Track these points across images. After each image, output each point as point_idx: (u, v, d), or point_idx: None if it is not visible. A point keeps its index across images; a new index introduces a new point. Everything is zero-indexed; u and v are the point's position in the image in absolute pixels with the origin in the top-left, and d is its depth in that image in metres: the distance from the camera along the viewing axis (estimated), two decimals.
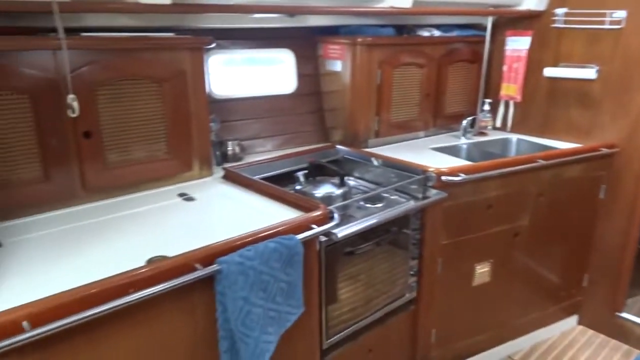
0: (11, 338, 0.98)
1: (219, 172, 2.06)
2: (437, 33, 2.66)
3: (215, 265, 1.26)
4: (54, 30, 1.58)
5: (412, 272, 2.13)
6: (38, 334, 1.01)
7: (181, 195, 1.81)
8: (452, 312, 2.31)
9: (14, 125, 1.50)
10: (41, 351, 1.08)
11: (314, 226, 1.51)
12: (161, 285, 1.17)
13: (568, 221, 2.56)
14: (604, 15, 2.44)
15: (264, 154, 2.38)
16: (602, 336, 2.79)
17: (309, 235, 1.47)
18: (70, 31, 1.56)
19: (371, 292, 1.96)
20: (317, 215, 1.54)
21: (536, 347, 2.70)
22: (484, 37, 2.82)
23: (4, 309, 1.03)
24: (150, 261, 1.28)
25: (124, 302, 1.12)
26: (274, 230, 1.42)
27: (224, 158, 2.20)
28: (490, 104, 2.89)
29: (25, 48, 1.48)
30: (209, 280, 1.29)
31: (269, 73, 2.43)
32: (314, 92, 2.57)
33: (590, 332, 2.83)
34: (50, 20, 1.56)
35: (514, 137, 2.85)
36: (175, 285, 1.19)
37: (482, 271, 2.32)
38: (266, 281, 1.34)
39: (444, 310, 2.27)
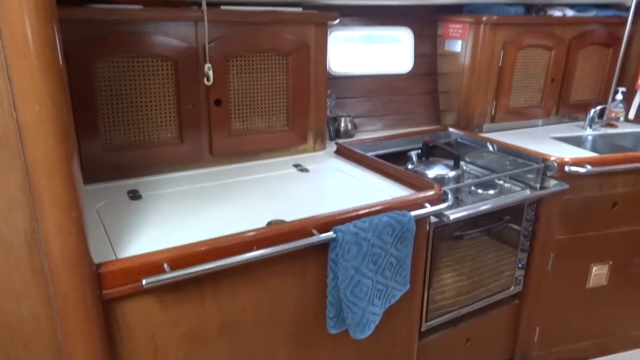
0: (155, 276, 1.10)
1: (331, 147, 2.11)
2: (570, 13, 2.46)
3: (331, 233, 1.31)
4: (194, 3, 1.71)
5: (520, 265, 2.04)
6: (176, 276, 1.13)
7: (296, 165, 1.89)
8: (560, 313, 2.19)
9: (160, 89, 1.66)
10: (174, 291, 1.21)
11: (426, 205, 1.50)
12: (281, 246, 1.24)
13: None
14: None
15: (374, 132, 2.39)
16: None
17: (422, 214, 1.47)
18: (210, 5, 1.67)
19: (475, 280, 1.92)
20: (431, 195, 1.53)
21: None
22: (625, 18, 2.56)
23: (147, 251, 1.16)
24: (270, 223, 1.37)
25: (248, 257, 1.21)
26: (389, 205, 1.44)
27: (337, 134, 2.25)
28: (623, 93, 2.64)
29: (172, 18, 1.61)
30: (323, 247, 1.35)
31: (385, 52, 2.42)
32: (429, 73, 2.51)
33: None
34: None
35: None
36: (293, 247, 1.26)
37: (599, 273, 2.16)
38: (377, 254, 1.37)
39: (552, 309, 2.16)
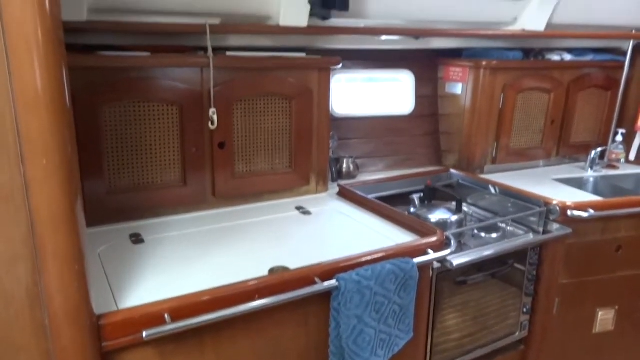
0: (155, 328, 1.09)
1: (333, 188, 2.12)
2: (568, 57, 2.51)
3: (333, 281, 1.30)
4: (200, 48, 1.76)
5: (525, 310, 2.01)
6: (176, 328, 1.11)
7: (298, 208, 1.89)
8: (566, 359, 2.14)
9: (165, 133, 1.68)
10: (175, 342, 1.19)
11: (429, 251, 1.49)
12: (284, 295, 1.23)
13: None
14: None
15: (376, 173, 2.40)
16: None
17: (425, 261, 1.46)
18: (215, 50, 1.71)
19: (480, 325, 1.89)
20: (434, 241, 1.53)
21: None
22: (622, 62, 2.61)
23: (149, 301, 1.15)
24: (272, 271, 1.36)
25: (249, 308, 1.20)
26: (391, 252, 1.44)
27: (339, 175, 2.26)
28: (623, 134, 2.66)
29: (180, 65, 1.65)
30: (325, 295, 1.33)
31: (387, 93, 2.46)
32: (431, 114, 2.55)
33: None
34: (198, 40, 1.74)
35: None
36: (296, 296, 1.24)
37: (605, 318, 2.13)
38: (380, 302, 1.36)
39: (558, 355, 2.11)
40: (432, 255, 1.48)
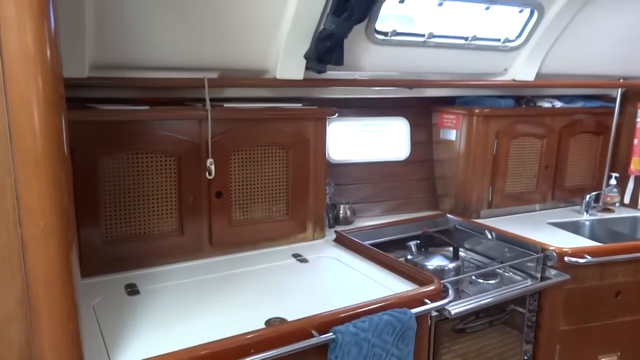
0: None
1: (330, 235, 2.12)
2: (558, 104, 2.57)
3: (330, 334, 1.28)
4: (198, 100, 1.80)
5: (525, 358, 1.98)
6: None
7: (295, 255, 1.89)
8: None
9: (162, 183, 1.70)
10: None
11: (427, 301, 1.48)
12: (280, 349, 1.21)
13: None
14: None
15: (373, 218, 2.41)
16: None
17: (423, 311, 1.45)
18: (213, 101, 1.76)
19: None
20: (431, 290, 1.52)
21: None
22: (611, 108, 2.67)
23: (143, 357, 1.13)
24: (269, 322, 1.35)
25: None
26: (389, 302, 1.43)
27: (336, 220, 2.27)
28: (617, 178, 2.69)
29: (178, 117, 1.69)
30: (322, 348, 1.31)
31: (383, 139, 2.50)
32: (426, 160, 2.58)
33: None
34: (196, 92, 1.79)
35: None
36: (292, 350, 1.23)
37: None
38: (378, 354, 1.34)
39: None
40: (429, 305, 1.47)
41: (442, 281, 1.60)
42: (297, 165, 1.96)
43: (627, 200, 2.74)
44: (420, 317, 1.48)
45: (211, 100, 1.72)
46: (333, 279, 1.68)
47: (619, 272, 2.00)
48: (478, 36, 2.04)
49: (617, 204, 2.68)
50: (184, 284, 1.61)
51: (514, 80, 2.23)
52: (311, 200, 2.02)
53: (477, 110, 2.33)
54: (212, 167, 1.74)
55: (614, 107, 2.67)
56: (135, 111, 1.62)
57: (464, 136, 2.39)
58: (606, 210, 2.65)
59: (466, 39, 2.04)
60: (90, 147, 1.56)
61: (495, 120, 2.36)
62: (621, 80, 2.54)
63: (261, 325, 1.33)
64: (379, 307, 1.40)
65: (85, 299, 1.44)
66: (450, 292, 1.55)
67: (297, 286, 1.61)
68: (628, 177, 2.72)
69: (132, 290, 1.55)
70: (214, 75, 1.76)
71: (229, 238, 1.86)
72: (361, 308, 1.38)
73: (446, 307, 1.56)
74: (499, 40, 2.11)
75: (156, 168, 1.69)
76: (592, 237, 2.40)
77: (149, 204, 1.70)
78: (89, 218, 1.59)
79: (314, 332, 1.29)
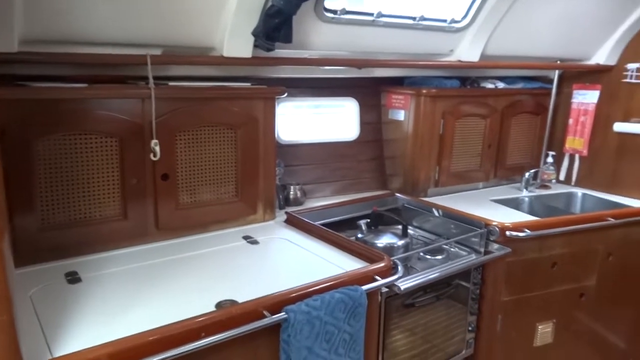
0: None
1: (281, 216, 2.11)
2: (501, 85, 2.66)
3: (282, 314, 1.28)
4: (140, 78, 1.72)
5: (470, 328, 2.07)
6: None
7: (246, 238, 1.87)
8: None
9: (103, 166, 1.62)
10: None
11: (377, 278, 1.51)
12: (232, 331, 1.20)
13: (638, 283, 2.42)
14: None
15: (323, 198, 2.42)
16: None
17: (373, 287, 1.48)
18: (157, 79, 1.69)
19: (429, 346, 1.92)
20: (381, 267, 1.55)
21: None
22: (549, 89, 2.79)
23: (86, 346, 1.09)
24: (219, 305, 1.33)
25: (196, 346, 1.15)
26: (340, 280, 1.44)
27: (286, 202, 2.26)
28: (554, 156, 2.84)
29: (119, 96, 1.61)
30: (274, 328, 1.31)
31: (332, 120, 2.50)
32: (375, 140, 2.61)
33: None
34: (138, 69, 1.71)
35: (579, 191, 2.77)
36: (244, 332, 1.22)
37: (545, 331, 2.22)
38: (330, 332, 1.35)
39: None
40: (379, 281, 1.50)
41: (391, 258, 1.63)
42: (246, 145, 1.92)
43: (562, 177, 2.89)
44: (370, 294, 1.50)
45: (155, 78, 1.64)
46: (284, 260, 1.68)
47: (555, 244, 2.11)
48: (426, 16, 2.06)
49: (554, 181, 2.83)
50: (129, 269, 1.56)
51: (459, 61, 2.28)
52: (261, 181, 2.00)
53: (424, 91, 2.37)
54: (157, 149, 1.68)
55: (552, 88, 2.79)
56: (73, 89, 1.52)
57: (412, 116, 2.42)
58: (544, 186, 2.79)
59: (414, 19, 2.06)
60: (24, 127, 1.46)
61: (442, 100, 2.41)
62: (558, 62, 2.65)
63: (211, 308, 1.30)
64: (330, 285, 1.41)
65: (21, 289, 1.36)
66: (400, 268, 1.59)
67: (248, 268, 1.60)
68: (563, 155, 2.87)
69: (73, 278, 1.48)
70: (157, 52, 1.69)
71: (176, 221, 1.81)
72: (313, 287, 1.38)
73: (396, 283, 1.59)
74: (445, 21, 2.14)
75: (96, 150, 1.61)
76: (531, 212, 2.53)
77: (90, 188, 1.62)
78: (23, 203, 1.49)
79: (265, 313, 1.28)
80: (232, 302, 1.34)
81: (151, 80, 1.62)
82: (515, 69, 2.66)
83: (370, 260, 1.62)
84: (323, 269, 1.57)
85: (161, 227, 1.78)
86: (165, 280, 1.48)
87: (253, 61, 1.82)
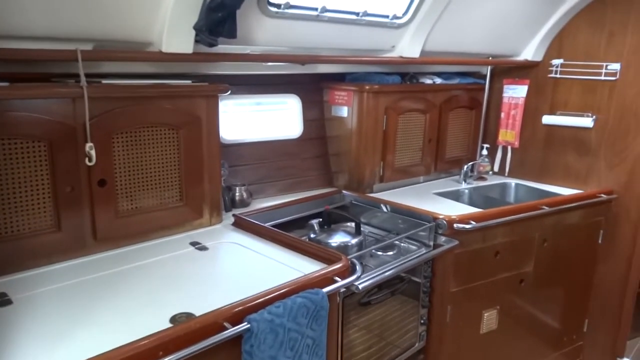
0: None
1: (228, 219, 2.02)
2: (438, 80, 2.72)
3: (245, 324, 1.21)
4: (70, 76, 1.57)
5: (422, 321, 2.10)
6: None
7: (193, 244, 1.77)
8: None
9: (31, 173, 1.46)
10: None
11: (337, 279, 1.48)
12: (192, 347, 1.12)
13: (569, 267, 2.58)
14: (599, 67, 2.54)
15: (270, 198, 2.36)
16: None
17: (334, 289, 1.45)
18: (89, 77, 1.55)
19: (383, 344, 1.92)
20: (340, 267, 1.52)
21: None
22: (482, 84, 2.90)
23: None
24: (174, 320, 1.24)
25: None
26: (300, 284, 1.39)
27: (232, 203, 2.17)
28: (488, 149, 2.95)
29: (47, 96, 1.45)
30: (235, 339, 1.24)
31: (275, 118, 2.44)
32: (319, 137, 2.58)
33: None
34: (67, 66, 1.56)
35: (512, 182, 2.91)
36: (206, 346, 1.14)
37: (490, 318, 2.31)
38: (294, 338, 1.30)
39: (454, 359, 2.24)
40: (340, 282, 1.47)
41: (348, 257, 1.60)
42: (189, 146, 1.82)
43: (496, 168, 3.02)
44: (330, 296, 1.47)
45: (87, 76, 1.50)
46: (238, 265, 1.60)
47: (497, 234, 2.20)
48: (369, 12, 2.06)
49: (491, 173, 2.95)
50: (67, 287, 1.42)
51: (401, 57, 2.30)
52: (206, 183, 1.90)
53: (367, 87, 2.37)
54: (93, 152, 1.54)
55: (485, 84, 2.90)
56: None
57: (356, 112, 2.42)
58: (480, 178, 2.90)
59: (357, 14, 2.04)
60: None
61: (384, 96, 2.42)
62: (490, 58, 2.76)
63: (166, 324, 1.21)
64: (290, 289, 1.36)
65: None
66: (358, 267, 1.57)
67: (200, 276, 1.51)
68: (497, 147, 3.00)
69: (1, 300, 1.32)
70: (89, 47, 1.54)
71: (117, 230, 1.68)
72: (273, 293, 1.33)
73: (354, 283, 1.57)
74: (387, 17, 2.14)
75: (22, 156, 1.45)
76: (470, 203, 2.62)
77: (16, 198, 1.45)
78: None
79: (226, 324, 1.21)
80: (188, 316, 1.25)
81: (83, 78, 1.48)
82: (452, 64, 2.74)
83: (328, 261, 1.58)
84: (279, 273, 1.52)
85: (100, 238, 1.64)
86: (110, 296, 1.36)
87: (194, 57, 1.72)
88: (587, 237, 2.63)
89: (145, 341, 1.09)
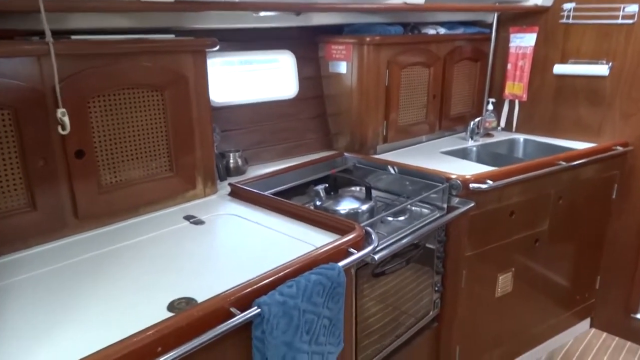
0: None
1: (223, 189, 1.85)
2: (442, 31, 2.52)
3: (255, 309, 1.06)
4: (34, 33, 1.35)
5: (436, 288, 1.98)
6: None
7: (188, 218, 1.60)
8: (475, 327, 2.17)
9: None
10: None
11: (353, 250, 1.33)
12: (197, 340, 0.96)
13: (582, 223, 2.46)
14: (615, 10, 2.35)
15: (267, 164, 2.18)
16: (617, 339, 2.72)
17: (351, 262, 1.29)
18: (57, 34, 1.33)
19: (397, 313, 1.80)
20: (354, 237, 1.36)
21: (553, 356, 2.60)
22: (488, 34, 2.70)
23: None
24: (173, 307, 1.08)
25: None
26: (313, 259, 1.24)
27: (227, 172, 1.99)
28: (494, 104, 2.78)
29: (7, 55, 1.24)
30: (245, 325, 1.09)
31: (268, 77, 2.23)
32: (316, 96, 2.38)
33: (604, 334, 2.76)
34: (30, 21, 1.34)
35: (521, 137, 2.75)
36: (212, 337, 0.98)
37: (505, 281, 2.19)
38: (310, 320, 1.16)
39: (468, 325, 2.13)
40: (356, 254, 1.31)
41: (361, 225, 1.45)
42: (176, 109, 1.62)
43: (502, 124, 2.86)
44: (345, 270, 1.31)
45: (54, 32, 1.29)
46: (239, 240, 1.44)
47: (513, 193, 2.05)
48: None
49: (499, 128, 2.79)
50: (48, 273, 1.25)
51: (405, 3, 2.08)
52: (198, 150, 1.72)
53: (368, 38, 2.16)
54: (66, 120, 1.34)
55: (490, 33, 2.70)
56: None
57: (356, 68, 2.22)
58: (487, 135, 2.74)
59: None
60: None
61: (386, 48, 2.22)
62: (497, 3, 2.55)
63: (164, 312, 1.05)
64: (303, 265, 1.20)
65: None
66: (374, 237, 1.41)
67: (198, 255, 1.34)
68: (503, 102, 2.82)
69: None
70: None
71: (101, 207, 1.50)
72: (284, 271, 1.17)
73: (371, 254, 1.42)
74: None
75: None
76: (478, 161, 2.47)
77: None
78: None
79: (233, 310, 1.05)
80: (189, 301, 1.10)
81: (48, 32, 1.27)
82: (454, 11, 2.52)
83: (339, 230, 1.43)
84: (287, 248, 1.36)
85: (82, 216, 1.46)
86: (97, 283, 1.20)
87: (177, 6, 1.50)
88: (601, 192, 2.50)
89: (140, 336, 0.93)
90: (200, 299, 1.10)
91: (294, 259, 1.21)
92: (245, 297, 1.08)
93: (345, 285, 1.25)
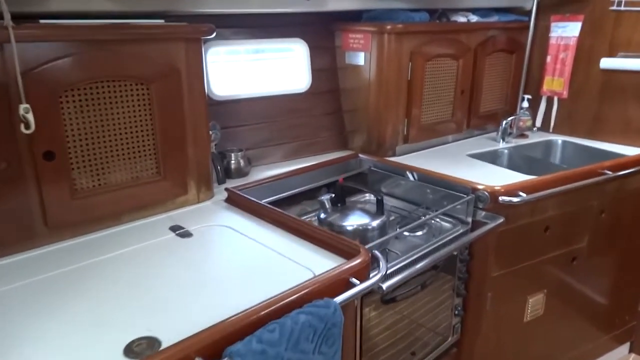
0: None
1: (220, 193, 1.66)
2: (474, 18, 2.25)
3: None
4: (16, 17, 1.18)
5: (456, 312, 1.75)
6: None
7: (174, 228, 1.42)
8: (500, 354, 1.94)
9: None
10: None
11: (355, 281, 1.12)
12: None
13: (625, 239, 2.18)
14: None
15: (273, 165, 1.98)
16: None
17: (350, 297, 1.08)
18: (27, 18, 1.16)
19: (412, 340, 1.59)
20: (358, 264, 1.15)
21: None
22: (526, 22, 2.42)
23: None
24: (130, 350, 0.89)
25: None
26: (304, 293, 1.03)
27: (227, 173, 1.80)
28: (529, 100, 2.51)
29: None
30: None
31: (277, 68, 2.02)
32: (331, 90, 2.16)
33: None
34: (14, 4, 1.16)
35: (559, 139, 2.47)
36: None
37: (536, 304, 1.95)
38: None
39: (492, 352, 1.90)
40: (358, 286, 1.10)
41: (367, 247, 1.23)
42: (165, 105, 1.44)
43: (538, 123, 2.58)
44: (346, 305, 1.11)
45: (22, 16, 1.11)
46: (226, 260, 1.24)
47: (549, 206, 1.80)
48: None
49: (535, 129, 2.51)
50: (7, 291, 1.08)
51: None
52: (190, 150, 1.53)
53: (388, 27, 1.92)
54: (30, 117, 1.16)
55: (528, 21, 2.41)
56: None
57: (375, 59, 1.99)
58: (521, 136, 2.47)
59: None
60: None
61: (410, 38, 1.98)
62: None
63: (119, 358, 0.87)
64: (291, 302, 1.00)
65: None
66: (382, 263, 1.20)
67: (175, 277, 1.16)
68: (540, 99, 2.54)
69: None
70: None
71: (74, 214, 1.33)
72: (265, 310, 0.97)
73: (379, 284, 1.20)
74: None
75: None
76: (510, 166, 2.22)
77: None
78: None
79: None
80: (151, 343, 0.91)
81: (7, 15, 1.09)
82: None
83: (343, 253, 1.22)
84: (281, 272, 1.16)
85: (52, 225, 1.29)
86: (40, 315, 1.02)
87: None
88: None
89: None
90: (165, 339, 0.91)
91: (280, 293, 1.01)
92: (215, 344, 0.88)
93: (342, 324, 1.04)
